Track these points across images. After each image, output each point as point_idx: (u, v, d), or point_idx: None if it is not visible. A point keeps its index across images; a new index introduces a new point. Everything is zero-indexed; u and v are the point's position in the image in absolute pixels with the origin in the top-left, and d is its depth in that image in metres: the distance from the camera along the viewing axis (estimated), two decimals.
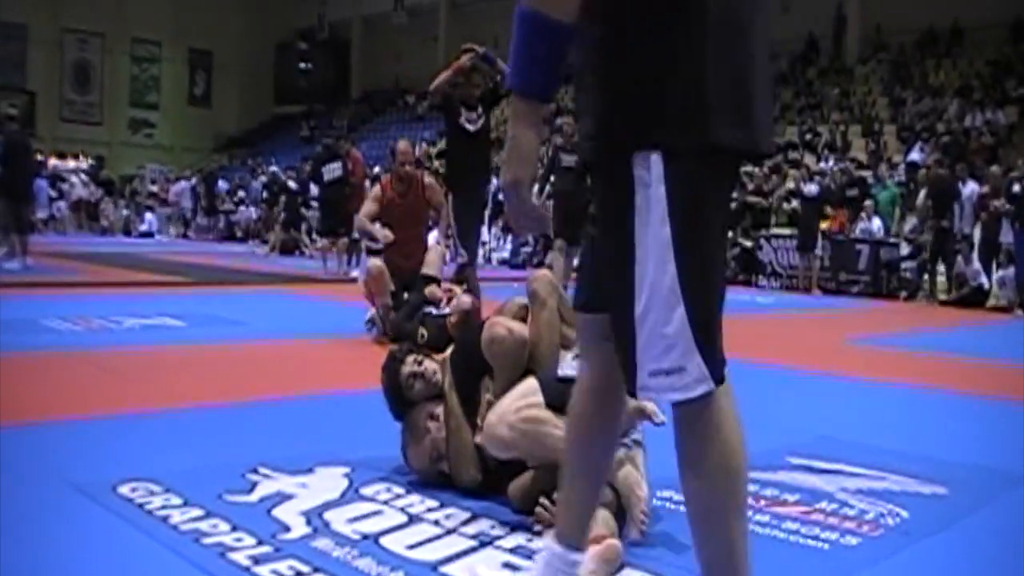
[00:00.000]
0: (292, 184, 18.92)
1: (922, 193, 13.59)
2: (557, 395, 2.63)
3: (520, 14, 1.54)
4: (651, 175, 1.55)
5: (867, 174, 15.63)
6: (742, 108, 1.58)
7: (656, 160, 1.54)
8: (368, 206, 6.84)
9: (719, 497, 1.64)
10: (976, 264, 12.51)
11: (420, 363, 3.00)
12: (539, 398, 2.60)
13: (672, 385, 1.58)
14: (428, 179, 7.14)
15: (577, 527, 1.88)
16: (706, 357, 1.58)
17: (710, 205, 1.60)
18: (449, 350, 3.11)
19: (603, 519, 2.32)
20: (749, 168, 17.43)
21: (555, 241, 10.55)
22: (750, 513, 2.78)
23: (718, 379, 1.62)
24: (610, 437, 1.90)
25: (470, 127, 7.04)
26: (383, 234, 6.54)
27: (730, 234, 15.21)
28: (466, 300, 5.50)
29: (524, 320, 2.97)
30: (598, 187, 1.68)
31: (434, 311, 5.89)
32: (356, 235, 10.04)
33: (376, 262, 6.50)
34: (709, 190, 1.59)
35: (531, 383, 2.67)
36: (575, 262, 12.64)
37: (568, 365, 2.81)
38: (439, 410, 2.92)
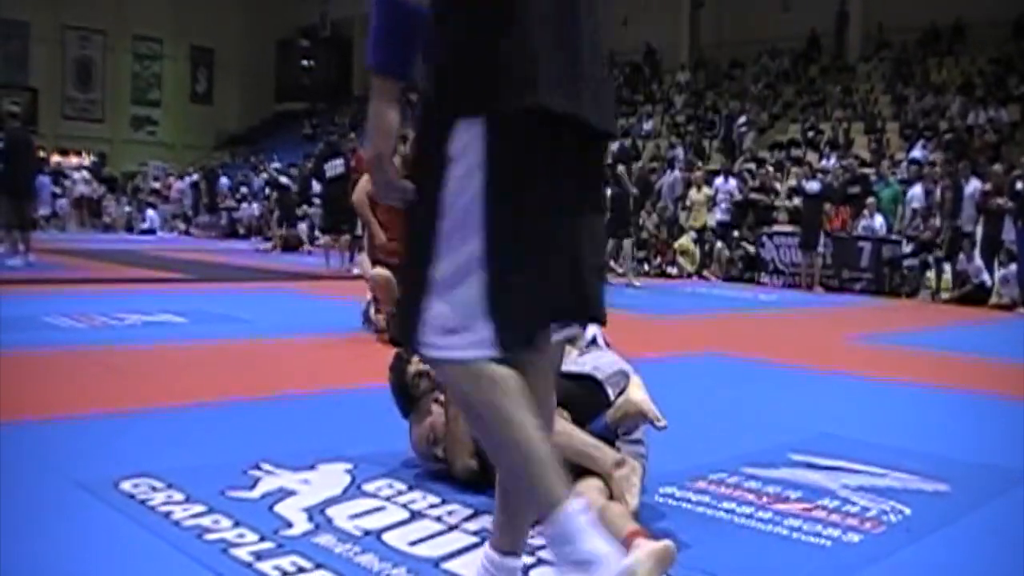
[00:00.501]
0: (284, 180, 18.91)
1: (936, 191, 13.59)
2: (560, 392, 2.63)
3: None
4: (470, 144, 1.61)
5: (870, 171, 15.62)
6: (564, 81, 1.65)
7: (475, 130, 1.62)
8: (363, 185, 6.66)
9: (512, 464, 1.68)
10: (978, 262, 12.50)
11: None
12: None
13: (453, 344, 1.62)
14: None
15: (519, 533, 1.88)
16: (498, 323, 1.61)
17: (529, 176, 1.65)
18: None
19: (630, 516, 2.32)
20: (751, 166, 17.47)
21: None
22: (752, 510, 2.79)
23: (506, 346, 1.62)
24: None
25: None
26: (380, 240, 6.43)
27: (735, 233, 15.23)
28: None
29: None
30: (420, 153, 1.73)
31: None
32: (359, 232, 10.01)
33: (383, 272, 6.27)
34: (529, 161, 1.64)
35: None
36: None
37: (572, 361, 2.81)
38: (444, 397, 2.95)
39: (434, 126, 1.67)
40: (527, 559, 2.31)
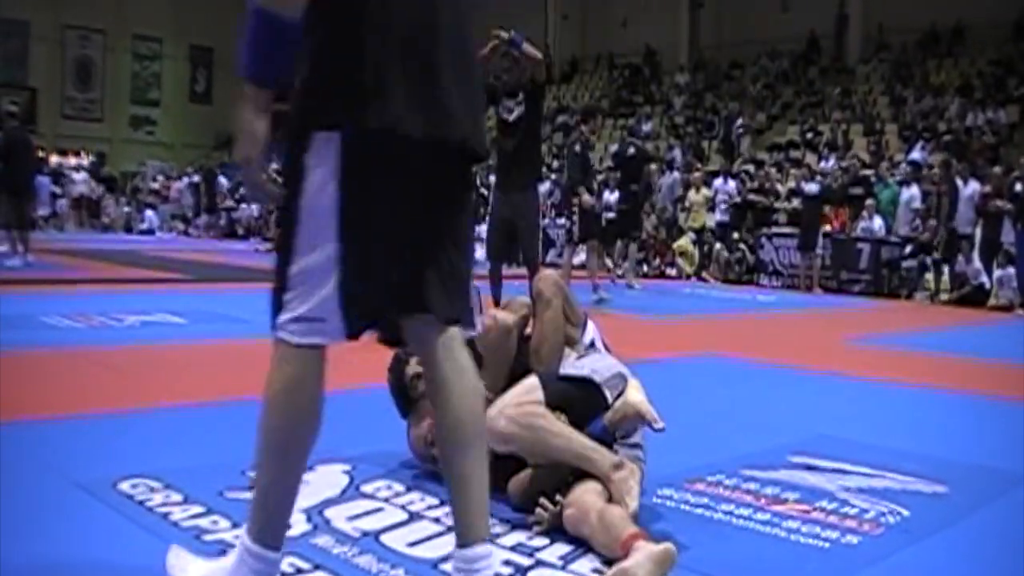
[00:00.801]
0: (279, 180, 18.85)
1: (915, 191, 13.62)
2: (558, 394, 2.64)
3: (251, 10, 1.74)
4: (325, 156, 1.77)
5: (868, 173, 15.63)
6: (419, 101, 1.79)
7: (331, 143, 1.77)
8: None
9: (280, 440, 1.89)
10: (977, 263, 12.51)
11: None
12: (539, 395, 2.60)
13: (303, 331, 1.83)
14: None
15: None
16: (347, 316, 1.83)
17: (379, 188, 1.81)
18: None
19: (630, 518, 2.32)
20: (749, 167, 17.48)
21: (589, 241, 10.64)
22: (750, 511, 2.79)
23: (351, 335, 1.88)
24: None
25: (507, 116, 6.72)
26: None
27: (735, 235, 15.23)
28: None
29: (527, 319, 2.98)
30: (285, 162, 1.85)
31: None
32: None
33: None
34: (379, 175, 1.80)
35: (532, 381, 2.67)
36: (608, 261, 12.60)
37: (571, 364, 2.81)
38: None
39: (296, 137, 1.82)
40: (525, 560, 2.31)
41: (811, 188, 13.96)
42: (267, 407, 1.88)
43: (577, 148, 10.20)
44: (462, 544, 1.93)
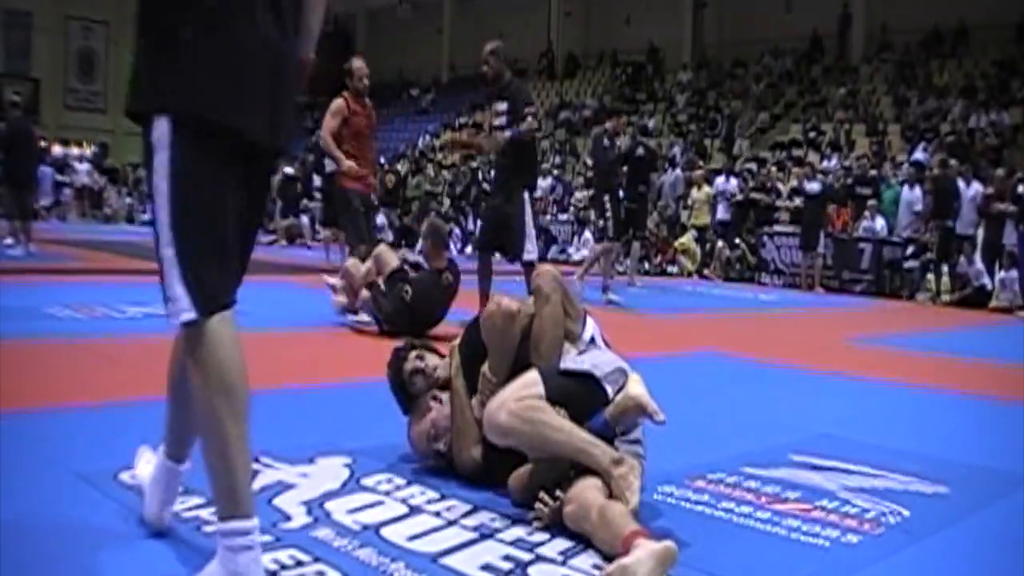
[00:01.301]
0: (289, 170, 18.81)
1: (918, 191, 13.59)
2: (558, 389, 2.64)
3: None
4: (161, 138, 1.92)
5: (871, 173, 15.62)
6: (234, 94, 1.93)
7: (164, 125, 1.91)
8: (330, 122, 7.42)
9: (217, 410, 1.91)
10: (979, 265, 12.51)
11: (422, 359, 3.05)
12: (540, 390, 2.60)
13: (170, 310, 1.95)
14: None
15: (184, 443, 2.27)
16: (192, 292, 1.92)
17: (205, 172, 1.94)
18: (458, 339, 3.12)
19: (630, 515, 2.32)
20: (752, 165, 17.47)
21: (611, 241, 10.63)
22: (751, 510, 2.79)
23: (206, 311, 1.93)
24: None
25: (495, 120, 6.92)
26: (347, 165, 7.31)
27: (738, 241, 15.22)
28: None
29: (530, 317, 2.97)
30: (144, 144, 1.97)
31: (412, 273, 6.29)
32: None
33: (352, 260, 6.70)
34: (203, 160, 1.93)
35: (533, 375, 2.67)
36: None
37: (571, 359, 2.81)
38: (443, 394, 2.97)
39: (145, 116, 1.95)
40: (525, 555, 2.31)
41: (812, 187, 13.96)
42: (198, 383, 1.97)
43: (606, 143, 10.10)
44: (181, 460, 2.30)
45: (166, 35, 1.94)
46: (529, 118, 6.75)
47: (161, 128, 1.91)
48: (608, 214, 10.00)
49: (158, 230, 1.95)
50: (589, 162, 15.69)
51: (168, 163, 1.91)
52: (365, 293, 6.36)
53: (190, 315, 1.92)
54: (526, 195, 6.90)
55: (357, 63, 7.73)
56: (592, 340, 2.99)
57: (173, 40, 1.93)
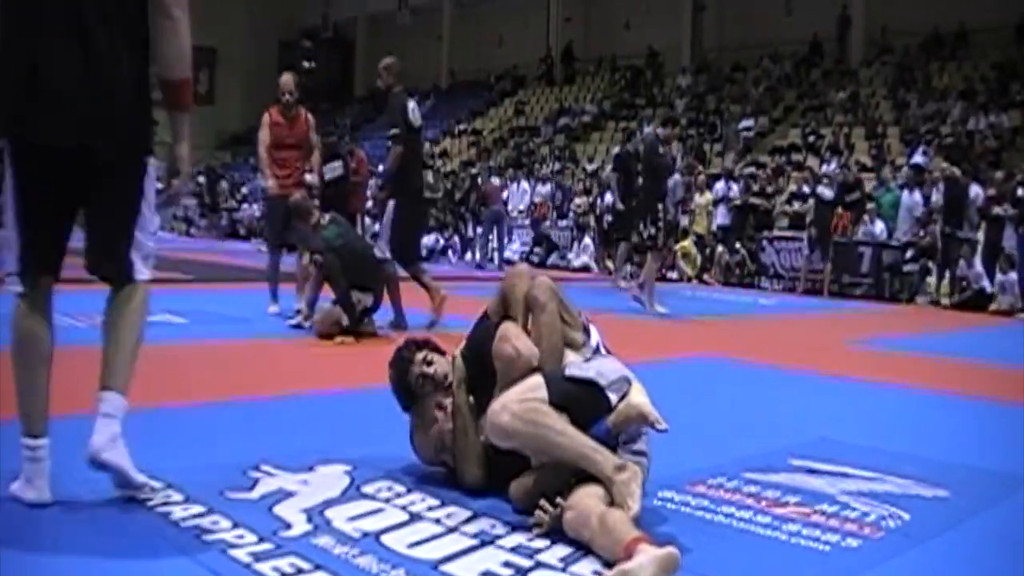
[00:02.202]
0: None
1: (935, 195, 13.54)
2: (562, 394, 2.64)
3: None
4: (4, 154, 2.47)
5: (866, 177, 15.61)
6: (22, 103, 2.43)
7: (6, 144, 2.49)
8: (263, 133, 7.87)
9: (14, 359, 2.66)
10: (979, 267, 12.50)
11: (429, 363, 3.02)
12: (543, 393, 2.61)
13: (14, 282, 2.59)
14: (309, 116, 8.15)
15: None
16: (21, 272, 2.65)
17: (25, 182, 2.52)
18: (460, 346, 3.10)
19: (631, 522, 2.31)
20: (752, 170, 17.46)
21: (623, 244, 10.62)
22: (751, 514, 2.79)
23: (26, 286, 2.72)
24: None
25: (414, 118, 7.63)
26: (271, 183, 7.76)
27: (738, 245, 15.20)
28: None
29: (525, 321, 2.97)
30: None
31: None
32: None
33: (325, 306, 6.68)
34: (25, 171, 2.51)
35: (537, 379, 2.67)
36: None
37: (576, 366, 2.81)
38: (447, 401, 2.95)
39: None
40: (526, 562, 2.31)
41: (826, 193, 13.84)
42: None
43: (661, 150, 9.85)
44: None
45: None
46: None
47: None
48: (660, 223, 9.73)
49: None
50: (606, 168, 15.64)
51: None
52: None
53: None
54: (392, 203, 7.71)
55: (284, 78, 8.16)
56: (597, 348, 2.98)
57: None
